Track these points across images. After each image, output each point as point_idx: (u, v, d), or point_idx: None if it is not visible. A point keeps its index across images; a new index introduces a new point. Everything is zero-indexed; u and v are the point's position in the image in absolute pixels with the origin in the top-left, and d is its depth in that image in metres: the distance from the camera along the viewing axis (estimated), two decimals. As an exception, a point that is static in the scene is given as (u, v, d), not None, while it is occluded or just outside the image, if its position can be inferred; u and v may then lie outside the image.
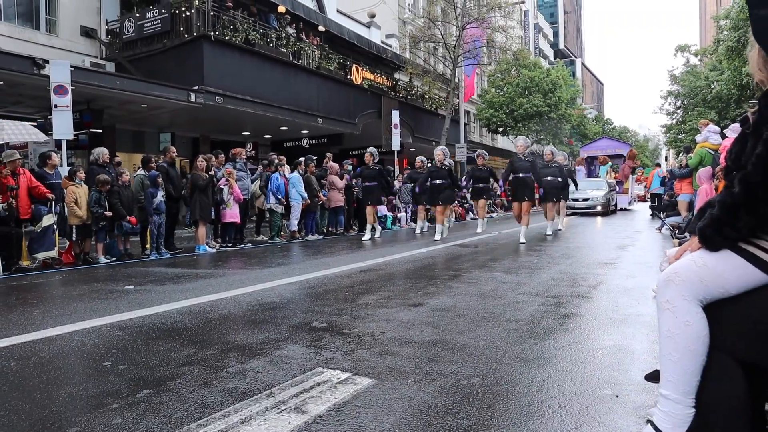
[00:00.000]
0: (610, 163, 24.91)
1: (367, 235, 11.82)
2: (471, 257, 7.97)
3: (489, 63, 33.58)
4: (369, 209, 12.25)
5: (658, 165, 22.99)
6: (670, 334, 1.68)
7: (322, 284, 5.82)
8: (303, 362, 3.03)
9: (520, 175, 10.44)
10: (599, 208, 19.49)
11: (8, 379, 2.90)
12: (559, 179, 12.17)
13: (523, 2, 42.69)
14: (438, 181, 11.26)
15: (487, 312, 4.23)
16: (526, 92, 33.28)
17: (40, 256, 7.90)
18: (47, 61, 10.51)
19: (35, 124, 11.88)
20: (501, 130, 35.20)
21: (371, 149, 12.57)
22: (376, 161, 12.47)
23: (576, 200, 19.51)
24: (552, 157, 12.39)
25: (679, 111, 37.63)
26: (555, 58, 64.28)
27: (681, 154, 14.34)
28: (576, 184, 15.49)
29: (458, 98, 26.03)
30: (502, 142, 41.62)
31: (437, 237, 10.77)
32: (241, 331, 3.81)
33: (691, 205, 11.00)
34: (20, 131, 10.52)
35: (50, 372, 3.01)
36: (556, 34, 78.88)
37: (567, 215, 19.26)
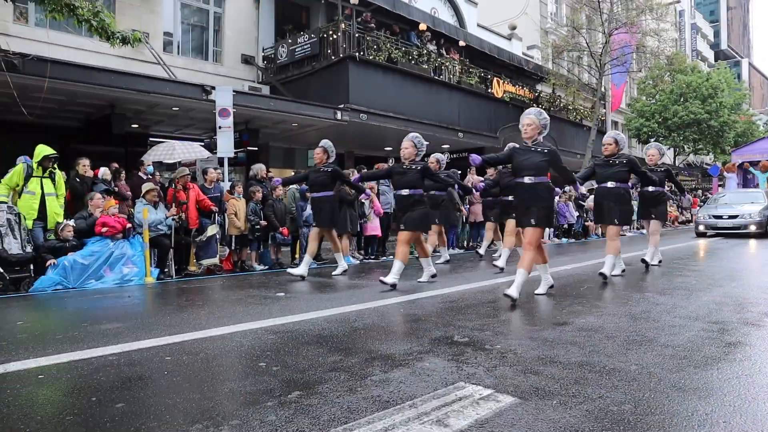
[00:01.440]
0: None
1: (300, 270, 7.77)
2: (619, 275, 7.50)
3: (639, 69, 31.56)
4: (313, 233, 8.17)
5: None
6: None
7: (462, 298, 5.81)
8: (445, 375, 3.05)
9: (526, 180, 5.75)
10: (753, 227, 15.28)
11: (181, 371, 3.25)
12: (634, 186, 7.86)
13: (678, 2, 39.66)
14: (405, 192, 6.99)
15: (638, 335, 3.95)
16: (682, 99, 30.75)
17: (205, 262, 8.75)
18: (213, 88, 11.66)
19: (203, 143, 13.22)
20: (653, 140, 32.88)
21: (324, 142, 8.21)
22: (330, 160, 8.20)
23: (719, 217, 16.04)
24: (616, 149, 7.30)
25: None
26: (716, 60, 58.83)
27: None
28: (682, 190, 11.26)
29: (605, 108, 24.71)
30: (653, 153, 38.79)
31: (388, 280, 6.61)
32: (385, 341, 3.92)
33: None
34: (189, 150, 11.77)
35: (215, 368, 3.32)
36: (717, 34, 72.19)
37: (709, 236, 15.91)
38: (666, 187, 9.17)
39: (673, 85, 31.19)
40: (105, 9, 9.09)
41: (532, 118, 5.79)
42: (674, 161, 35.21)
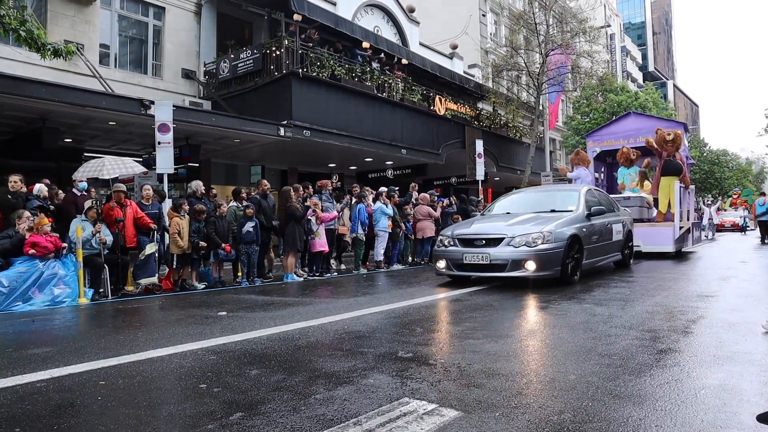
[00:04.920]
0: (642, 167, 14.52)
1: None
2: (559, 289, 7.72)
3: (574, 89, 32.86)
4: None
5: (763, 194, 20.97)
6: None
7: (407, 314, 5.83)
8: (389, 392, 3.04)
9: None
10: (530, 266, 7.35)
11: (117, 396, 3.11)
12: None
13: (608, 26, 41.67)
14: None
15: (577, 345, 4.07)
16: (614, 117, 32.20)
17: (143, 282, 8.44)
18: (152, 102, 11.36)
19: (141, 159, 12.83)
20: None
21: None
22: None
23: (468, 243, 7.90)
24: None
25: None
26: (644, 81, 62.05)
27: None
28: None
29: (543, 126, 25.57)
30: (589, 169, 40.35)
31: None
32: (329, 358, 3.88)
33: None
34: (120, 166, 11.37)
35: (153, 391, 3.20)
36: (645, 57, 76.29)
37: (473, 279, 8.27)
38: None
39: (605, 104, 32.63)
40: (34, 18, 8.73)
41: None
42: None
